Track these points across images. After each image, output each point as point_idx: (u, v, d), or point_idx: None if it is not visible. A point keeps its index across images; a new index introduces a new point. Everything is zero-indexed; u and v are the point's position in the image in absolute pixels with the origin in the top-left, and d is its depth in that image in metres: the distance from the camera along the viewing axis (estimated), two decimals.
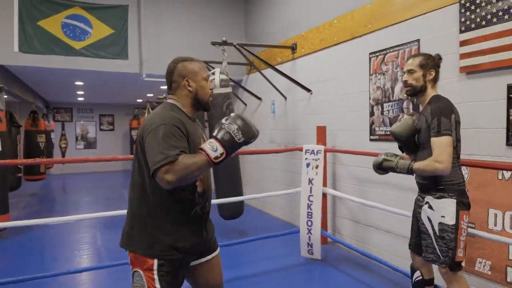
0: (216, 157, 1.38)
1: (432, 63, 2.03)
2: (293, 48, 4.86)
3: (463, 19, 2.65)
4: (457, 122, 1.97)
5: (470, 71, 2.65)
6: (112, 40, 5.14)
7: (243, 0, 6.42)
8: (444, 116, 1.89)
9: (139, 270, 1.50)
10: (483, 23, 2.52)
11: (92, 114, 12.67)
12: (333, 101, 4.14)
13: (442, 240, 1.94)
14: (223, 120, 1.46)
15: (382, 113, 3.45)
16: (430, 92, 2.04)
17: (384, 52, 3.41)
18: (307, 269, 3.47)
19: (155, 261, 1.48)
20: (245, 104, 6.36)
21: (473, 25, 2.59)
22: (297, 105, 4.86)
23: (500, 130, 2.47)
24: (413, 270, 2.24)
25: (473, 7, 2.58)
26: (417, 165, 1.95)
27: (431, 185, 2.00)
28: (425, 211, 2.03)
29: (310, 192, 3.60)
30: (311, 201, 3.59)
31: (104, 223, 5.24)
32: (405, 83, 2.07)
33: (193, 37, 5.89)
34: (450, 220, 1.92)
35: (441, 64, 2.09)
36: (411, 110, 3.14)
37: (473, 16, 2.58)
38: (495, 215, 2.53)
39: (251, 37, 6.17)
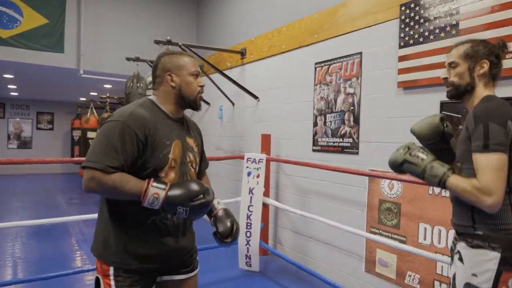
0: (148, 205, 1.29)
1: (484, 51, 1.43)
2: (243, 53, 4.76)
3: (402, 35, 2.70)
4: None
5: (407, 86, 2.69)
6: (46, 31, 4.72)
7: (196, 1, 6.25)
8: (495, 122, 1.26)
9: (99, 276, 1.41)
10: (421, 39, 2.57)
11: (28, 111, 11.67)
12: (279, 109, 4.08)
13: None
14: (186, 187, 1.33)
15: (324, 123, 3.43)
16: (481, 92, 1.43)
17: (328, 63, 3.41)
18: (244, 282, 3.33)
19: (111, 268, 1.38)
20: None
21: (411, 41, 2.63)
22: (244, 111, 4.76)
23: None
24: None
25: (412, 23, 2.63)
26: (456, 180, 1.33)
27: (465, 227, 1.38)
28: (454, 265, 1.41)
29: (250, 202, 3.48)
30: (251, 212, 3.47)
31: (28, 231, 4.74)
32: (445, 81, 1.49)
33: (139, 34, 5.60)
34: (484, 283, 1.29)
35: (503, 54, 1.47)
36: (351, 123, 3.15)
37: (411, 32, 2.63)
38: (425, 229, 2.56)
39: (202, 40, 6.00)
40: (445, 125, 1.47)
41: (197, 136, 1.61)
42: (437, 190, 2.48)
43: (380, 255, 2.89)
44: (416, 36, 2.60)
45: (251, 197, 3.46)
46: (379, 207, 2.89)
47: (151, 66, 4.89)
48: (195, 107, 1.50)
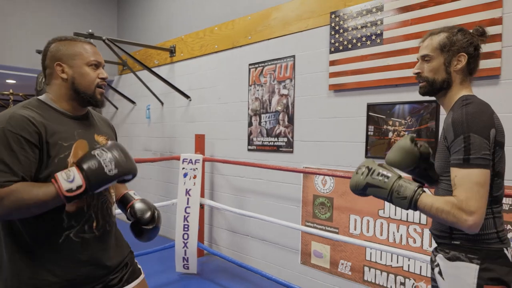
0: (70, 190, 1.05)
1: (462, 42, 1.25)
2: (172, 51, 4.62)
3: (332, 41, 2.90)
4: (499, 144, 1.18)
5: (337, 89, 2.90)
6: None
7: None
8: (477, 133, 1.13)
9: None
10: (349, 46, 2.79)
11: None
12: (212, 109, 4.07)
13: None
14: (96, 147, 1.16)
15: (260, 123, 3.52)
16: (458, 90, 1.28)
17: (262, 64, 3.50)
18: (182, 285, 3.25)
19: None
20: (116, 108, 5.79)
21: (341, 47, 2.84)
22: (175, 111, 4.63)
23: (361, 144, 2.76)
24: None
25: (341, 31, 2.84)
26: (430, 200, 1.16)
27: (443, 237, 1.27)
28: (436, 279, 1.28)
29: (187, 203, 3.41)
30: (188, 213, 3.40)
31: None
32: (418, 76, 1.34)
33: (54, 25, 5.07)
34: None
35: (481, 45, 1.29)
36: (286, 123, 3.28)
37: (341, 39, 2.84)
38: (355, 220, 2.80)
39: (123, 34, 5.66)
40: (418, 145, 1.37)
41: (109, 132, 1.42)
42: None
43: (315, 247, 3.07)
44: (345, 42, 2.82)
45: (188, 198, 3.40)
46: (313, 202, 3.06)
47: None
48: (95, 103, 1.28)
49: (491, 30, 2.09)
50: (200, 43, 4.22)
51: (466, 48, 1.25)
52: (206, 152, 3.92)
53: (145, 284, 1.47)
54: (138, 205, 1.38)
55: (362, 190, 1.26)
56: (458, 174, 1.14)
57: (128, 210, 1.39)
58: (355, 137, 2.80)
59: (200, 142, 3.83)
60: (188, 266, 3.43)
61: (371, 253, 2.71)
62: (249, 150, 3.63)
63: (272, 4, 3.41)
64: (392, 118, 2.58)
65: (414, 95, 2.47)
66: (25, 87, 6.95)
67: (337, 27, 2.87)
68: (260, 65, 3.52)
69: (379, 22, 2.61)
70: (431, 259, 1.35)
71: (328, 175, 2.88)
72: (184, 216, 3.40)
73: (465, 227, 1.11)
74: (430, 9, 2.38)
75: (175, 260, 3.45)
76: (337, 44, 2.87)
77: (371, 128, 2.70)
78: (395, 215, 2.57)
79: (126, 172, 1.14)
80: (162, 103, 4.82)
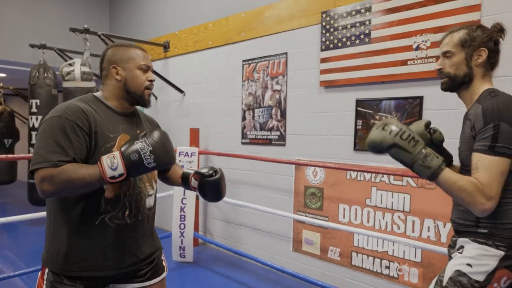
0: (113, 177, 1.18)
1: (482, 37, 1.31)
2: (166, 46, 4.71)
3: (323, 39, 3.04)
4: None
5: (328, 85, 3.05)
6: None
7: None
8: (507, 122, 1.18)
9: (39, 279, 1.37)
10: (339, 44, 2.94)
11: None
12: (206, 104, 4.18)
13: None
14: (141, 134, 1.24)
15: (253, 118, 3.66)
16: (480, 84, 1.34)
17: (256, 60, 3.63)
18: (179, 273, 3.40)
19: (46, 271, 1.32)
20: None
21: (331, 45, 2.99)
22: (169, 105, 4.73)
23: (350, 137, 2.92)
24: None
25: (332, 30, 2.99)
26: (452, 176, 1.21)
27: (468, 225, 1.32)
28: (453, 259, 1.33)
29: (184, 194, 3.54)
30: (185, 204, 3.54)
31: None
32: (439, 72, 1.39)
33: (44, 19, 5.09)
34: (478, 275, 1.23)
35: (502, 39, 1.35)
36: (279, 117, 3.43)
37: (331, 38, 2.99)
38: (344, 209, 2.97)
39: (116, 29, 5.70)
40: (432, 131, 1.41)
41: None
42: (353, 175, 2.90)
43: (306, 235, 3.24)
44: (336, 41, 2.97)
45: (184, 189, 3.52)
46: (304, 193, 3.23)
47: (59, 54, 4.53)
48: (143, 103, 1.41)
49: None
50: (194, 39, 4.32)
51: (486, 43, 1.31)
52: (200, 146, 4.05)
53: (164, 282, 1.55)
54: (198, 170, 1.48)
55: (386, 148, 1.23)
56: (482, 160, 1.19)
57: (191, 182, 1.48)
58: (344, 131, 2.96)
59: (195, 136, 3.95)
60: (185, 255, 3.57)
61: (358, 239, 2.89)
62: (242, 143, 3.77)
63: (265, 3, 3.53)
64: (379, 113, 2.75)
65: (400, 91, 2.64)
66: (16, 81, 6.93)
67: (328, 26, 3.01)
68: (253, 61, 3.65)
69: (367, 22, 2.77)
70: (449, 245, 1.41)
71: (319, 167, 3.05)
72: (181, 207, 3.54)
73: (479, 210, 1.19)
74: (415, 11, 2.54)
75: (172, 249, 3.58)
76: (328, 42, 3.01)
77: (359, 122, 2.87)
78: (381, 203, 2.75)
79: (163, 165, 1.24)
80: (156, 98, 4.91)
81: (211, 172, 1.45)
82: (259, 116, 3.61)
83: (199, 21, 4.27)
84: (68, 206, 1.28)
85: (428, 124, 1.40)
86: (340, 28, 2.94)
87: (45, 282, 1.32)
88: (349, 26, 2.88)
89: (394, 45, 2.63)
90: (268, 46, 3.52)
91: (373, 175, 2.78)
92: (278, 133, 3.44)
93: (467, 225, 1.31)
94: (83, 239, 1.29)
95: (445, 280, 1.27)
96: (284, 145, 3.39)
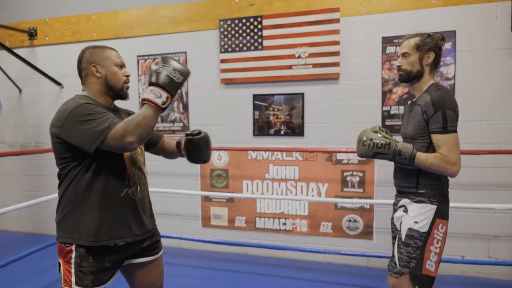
0: (163, 103, 1.35)
1: (431, 44, 1.73)
2: (32, 34, 4.25)
3: (222, 43, 3.57)
4: (457, 117, 1.68)
5: (228, 82, 3.62)
6: None
7: None
8: (450, 109, 1.62)
9: (59, 260, 1.49)
10: (237, 49, 3.53)
11: None
12: None
13: (406, 248, 1.70)
14: (153, 66, 1.40)
15: None
16: (428, 79, 1.76)
17: (152, 57, 3.84)
18: None
19: (73, 248, 1.44)
20: None
21: (229, 49, 3.56)
22: (40, 99, 4.32)
23: (249, 125, 3.59)
24: None
25: (229, 36, 3.55)
26: (424, 157, 1.63)
27: (410, 187, 1.75)
28: (398, 217, 1.78)
29: None
30: None
31: None
32: (398, 68, 1.79)
33: None
34: (423, 227, 1.67)
35: (443, 46, 1.78)
36: (181, 110, 3.79)
37: (229, 42, 3.55)
38: (247, 184, 3.65)
39: None
40: (384, 131, 1.73)
41: None
42: (254, 155, 3.59)
43: (214, 211, 3.78)
44: (233, 45, 3.55)
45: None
46: (210, 175, 3.74)
47: None
48: (123, 96, 1.58)
49: (332, 48, 3.24)
50: (72, 29, 4.11)
51: (434, 48, 1.73)
52: None
53: (162, 259, 1.73)
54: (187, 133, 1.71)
55: (371, 156, 1.70)
56: (440, 138, 1.62)
57: (182, 141, 1.74)
58: (244, 120, 3.61)
59: None
60: None
61: (260, 206, 3.63)
62: None
63: (159, 3, 3.76)
64: (272, 105, 3.51)
65: (287, 89, 3.46)
66: None
67: (225, 32, 3.55)
68: (150, 57, 3.85)
69: (259, 33, 3.45)
70: (394, 203, 1.89)
71: (224, 150, 3.62)
72: None
73: (450, 174, 1.64)
74: (295, 28, 3.36)
75: None
76: (226, 46, 3.56)
77: (256, 113, 3.56)
78: (277, 175, 3.54)
79: (187, 74, 1.42)
80: (20, 90, 4.38)
81: (195, 131, 1.70)
82: None
83: (78, 11, 4.08)
84: (96, 184, 1.42)
85: (380, 127, 1.78)
86: (236, 35, 3.53)
87: (72, 266, 1.43)
88: (244, 35, 3.50)
89: (281, 53, 3.41)
90: (165, 44, 3.79)
91: (270, 153, 3.54)
92: (181, 124, 3.80)
93: (409, 186, 1.75)
94: (111, 211, 1.46)
95: (403, 237, 1.71)
96: None
